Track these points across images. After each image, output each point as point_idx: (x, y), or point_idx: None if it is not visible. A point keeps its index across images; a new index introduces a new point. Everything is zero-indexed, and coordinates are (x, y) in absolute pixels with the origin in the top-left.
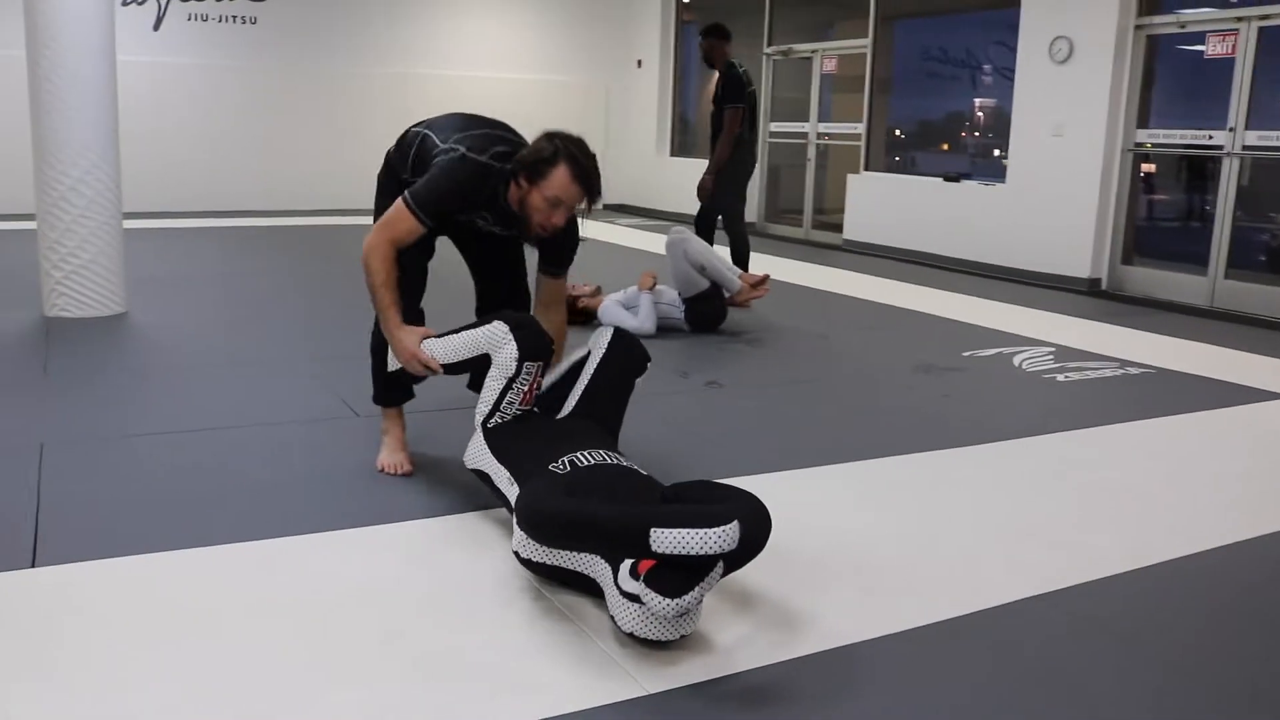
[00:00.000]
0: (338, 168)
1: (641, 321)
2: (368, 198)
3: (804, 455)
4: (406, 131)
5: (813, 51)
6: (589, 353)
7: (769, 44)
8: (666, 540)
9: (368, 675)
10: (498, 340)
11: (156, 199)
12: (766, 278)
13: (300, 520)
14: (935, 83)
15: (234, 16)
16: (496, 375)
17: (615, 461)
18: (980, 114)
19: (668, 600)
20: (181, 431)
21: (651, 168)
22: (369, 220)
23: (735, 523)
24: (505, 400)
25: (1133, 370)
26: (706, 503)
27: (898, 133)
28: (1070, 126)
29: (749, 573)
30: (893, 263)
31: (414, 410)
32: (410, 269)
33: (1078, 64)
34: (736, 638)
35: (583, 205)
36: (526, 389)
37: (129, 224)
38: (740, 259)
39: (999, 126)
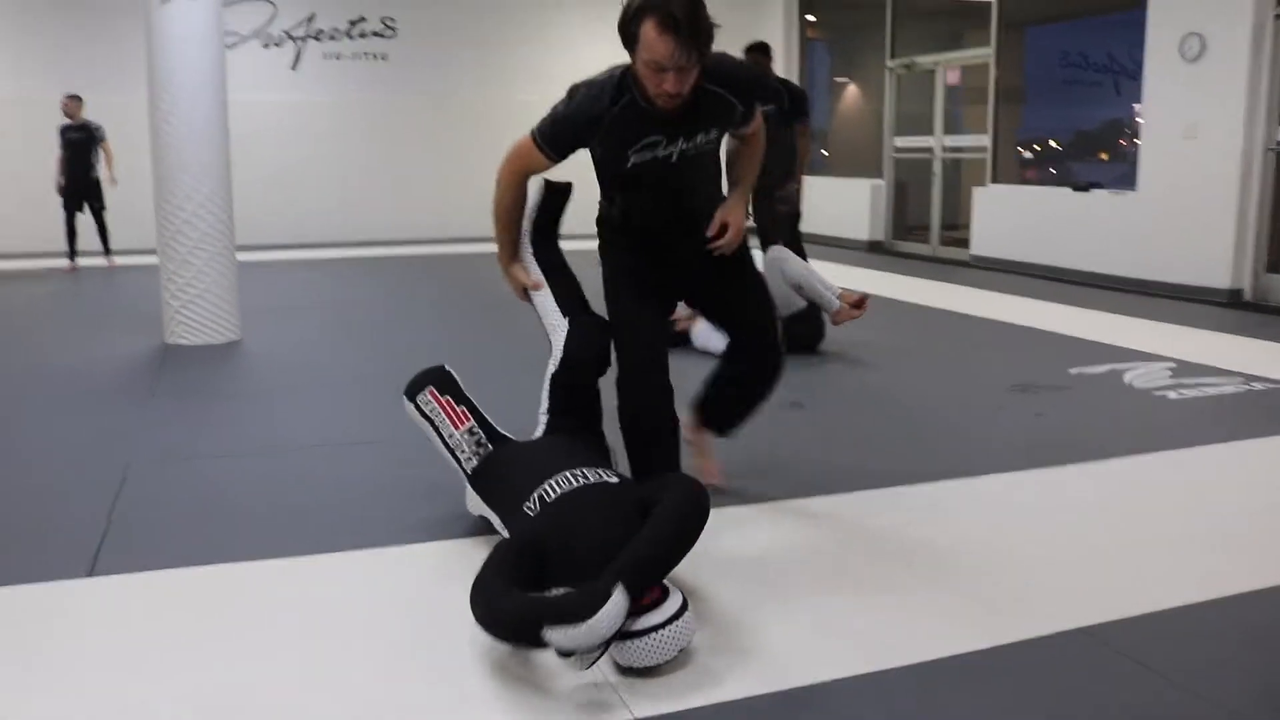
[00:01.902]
0: (466, 196)
1: None
2: (476, 225)
3: (873, 476)
4: None
5: (935, 63)
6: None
7: (891, 57)
8: (556, 638)
9: (362, 682)
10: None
11: (295, 231)
12: (865, 298)
13: (350, 536)
14: (1065, 89)
15: (366, 54)
16: (426, 430)
17: (581, 483)
18: (1110, 119)
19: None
20: (261, 453)
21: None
22: (475, 248)
23: (610, 601)
24: (446, 438)
25: (1258, 386)
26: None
27: (1027, 143)
28: (1205, 127)
29: (817, 591)
30: (1020, 278)
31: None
32: (647, 339)
33: (1211, 60)
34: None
35: (687, 57)
36: (444, 414)
37: (268, 255)
38: None
39: (1129, 131)
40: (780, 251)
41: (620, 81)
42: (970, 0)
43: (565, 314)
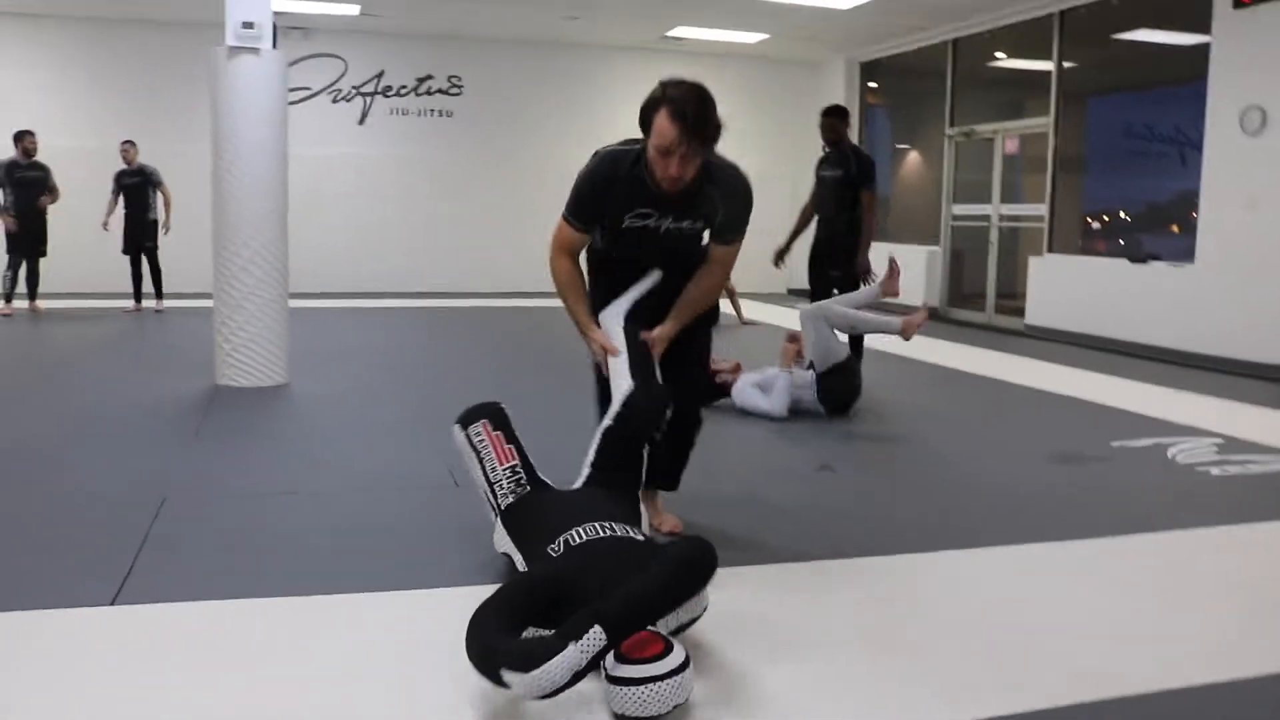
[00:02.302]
0: (526, 251)
1: (774, 404)
2: (546, 279)
3: (896, 541)
4: None
5: (994, 132)
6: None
7: (951, 125)
8: (513, 682)
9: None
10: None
11: (358, 280)
12: (926, 312)
13: (376, 578)
14: (1128, 160)
15: (432, 111)
16: (469, 459)
17: (609, 535)
18: (1177, 190)
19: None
20: (296, 492)
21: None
22: (559, 303)
23: (558, 656)
24: (487, 470)
25: None
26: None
27: (1090, 213)
28: (1265, 199)
29: (834, 655)
30: (1073, 348)
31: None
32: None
33: (1272, 133)
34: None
35: (688, 147)
36: (490, 447)
37: (329, 304)
38: None
39: (1188, 204)
40: (815, 306)
41: (637, 155)
42: (1030, 70)
43: (635, 377)
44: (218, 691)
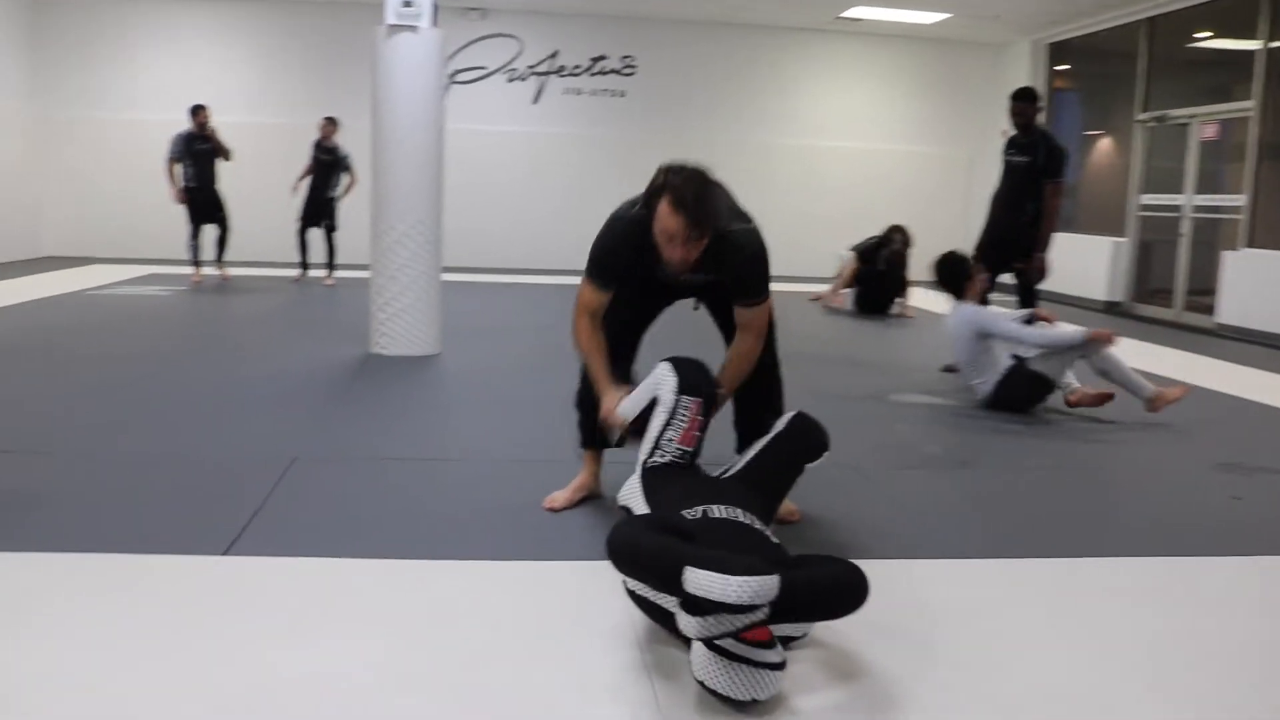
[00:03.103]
0: None
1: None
2: None
3: (1007, 544)
4: None
5: (1190, 117)
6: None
7: (1143, 110)
8: (694, 580)
9: (426, 689)
10: (661, 377)
11: (528, 256)
12: (1186, 389)
13: (480, 547)
14: None
15: (605, 91)
16: (660, 412)
17: (748, 523)
18: None
19: (688, 617)
20: (427, 459)
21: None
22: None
23: (760, 577)
24: (665, 437)
25: None
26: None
27: None
28: None
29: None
30: (1269, 350)
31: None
32: (616, 334)
33: None
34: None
35: (689, 235)
36: (685, 425)
37: (499, 279)
38: None
39: None
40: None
41: (645, 220)
42: (1233, 50)
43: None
44: (303, 646)
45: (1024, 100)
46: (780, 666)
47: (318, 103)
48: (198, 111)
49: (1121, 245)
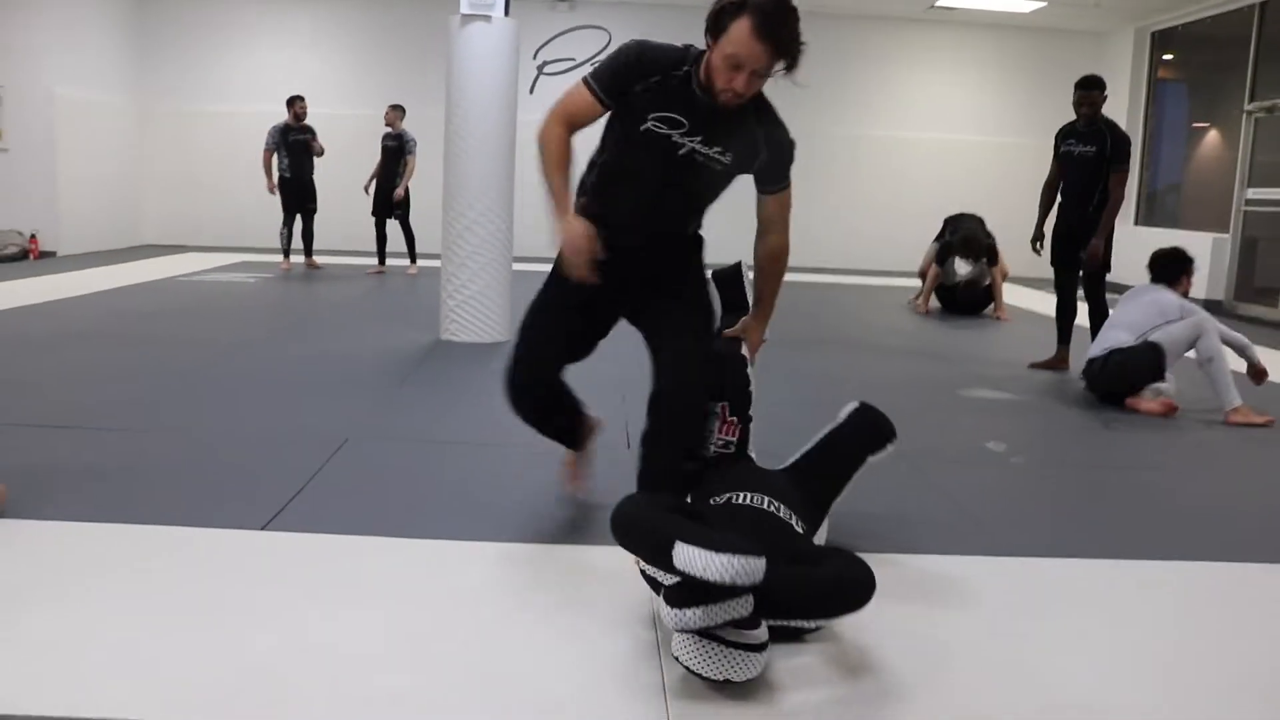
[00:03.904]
0: (799, 229)
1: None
2: (807, 256)
3: (1031, 545)
4: None
5: None
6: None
7: (1251, 99)
8: (681, 555)
9: (418, 666)
10: None
11: None
12: (1271, 421)
13: (504, 530)
14: None
15: None
16: None
17: (770, 510)
18: None
19: (669, 610)
20: (474, 442)
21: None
22: (814, 279)
23: (747, 558)
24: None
25: None
26: (817, 563)
27: None
28: None
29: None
30: None
31: None
32: (561, 335)
33: None
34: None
35: (775, 68)
36: (718, 421)
37: None
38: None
39: None
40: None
41: (684, 55)
42: None
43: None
44: (318, 619)
45: (1095, 89)
46: (760, 648)
47: (405, 93)
48: (294, 102)
49: (1223, 241)
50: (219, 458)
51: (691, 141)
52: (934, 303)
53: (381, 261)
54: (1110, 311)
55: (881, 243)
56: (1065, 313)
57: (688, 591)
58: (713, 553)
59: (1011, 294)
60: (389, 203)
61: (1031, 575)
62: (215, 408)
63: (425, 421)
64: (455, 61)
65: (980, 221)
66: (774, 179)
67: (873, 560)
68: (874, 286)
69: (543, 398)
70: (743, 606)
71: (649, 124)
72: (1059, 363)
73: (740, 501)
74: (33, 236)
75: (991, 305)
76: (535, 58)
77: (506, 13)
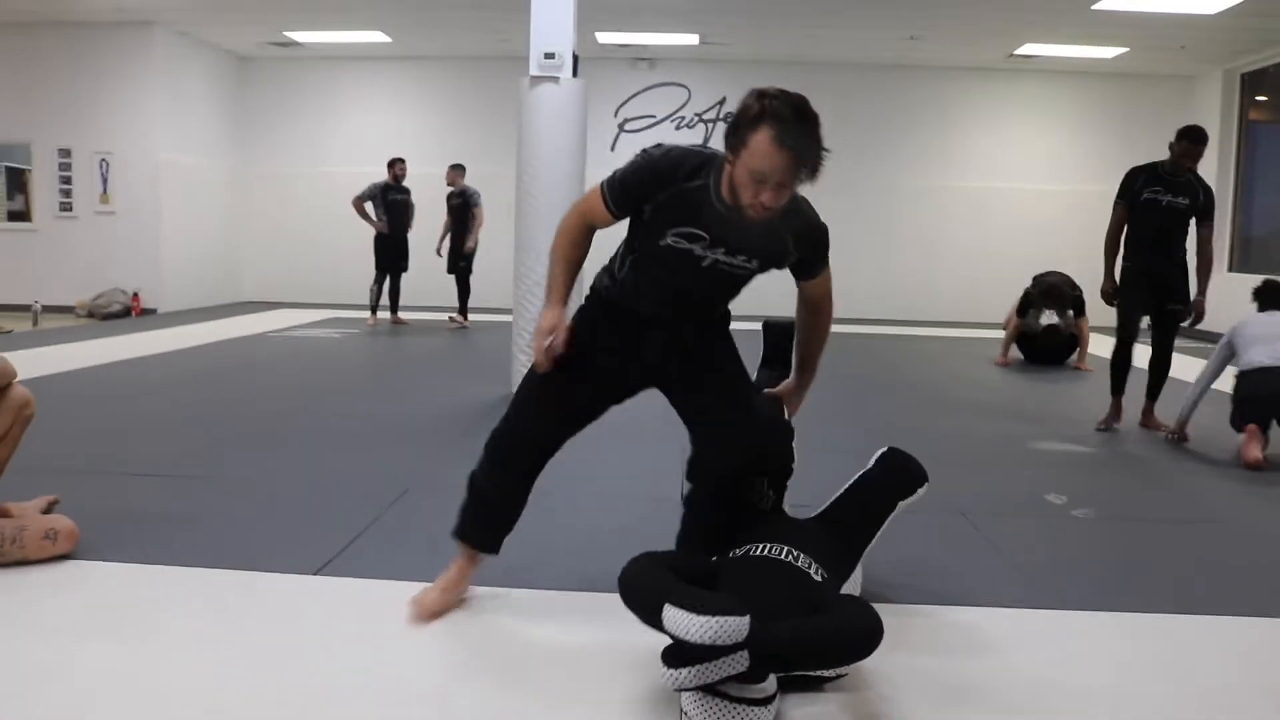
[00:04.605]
0: (867, 279)
1: None
2: (885, 308)
3: (1102, 599)
4: None
5: None
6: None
7: None
8: (669, 617)
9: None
10: None
11: None
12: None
13: (541, 578)
14: None
15: None
16: None
17: (780, 557)
18: None
19: (663, 669)
20: (536, 495)
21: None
22: (894, 330)
23: (728, 618)
24: None
25: None
26: (826, 611)
27: None
28: None
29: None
30: None
31: None
32: (539, 428)
33: None
34: None
35: (798, 179)
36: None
37: None
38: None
39: None
40: None
41: (704, 164)
42: None
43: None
44: (365, 663)
45: (1200, 142)
46: (764, 702)
47: (488, 153)
48: (394, 164)
49: None
50: (283, 505)
51: (714, 253)
52: (1015, 353)
53: (464, 314)
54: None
55: (963, 295)
56: (1129, 363)
57: (680, 651)
58: (694, 615)
59: (1094, 344)
60: (455, 258)
61: (1064, 628)
62: (284, 457)
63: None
64: (525, 121)
65: (1066, 277)
66: (811, 271)
67: (899, 611)
68: (953, 338)
69: (529, 472)
70: (738, 663)
71: (669, 240)
72: (1117, 414)
73: (759, 554)
74: (135, 295)
75: (1075, 354)
76: (616, 115)
77: (575, 74)
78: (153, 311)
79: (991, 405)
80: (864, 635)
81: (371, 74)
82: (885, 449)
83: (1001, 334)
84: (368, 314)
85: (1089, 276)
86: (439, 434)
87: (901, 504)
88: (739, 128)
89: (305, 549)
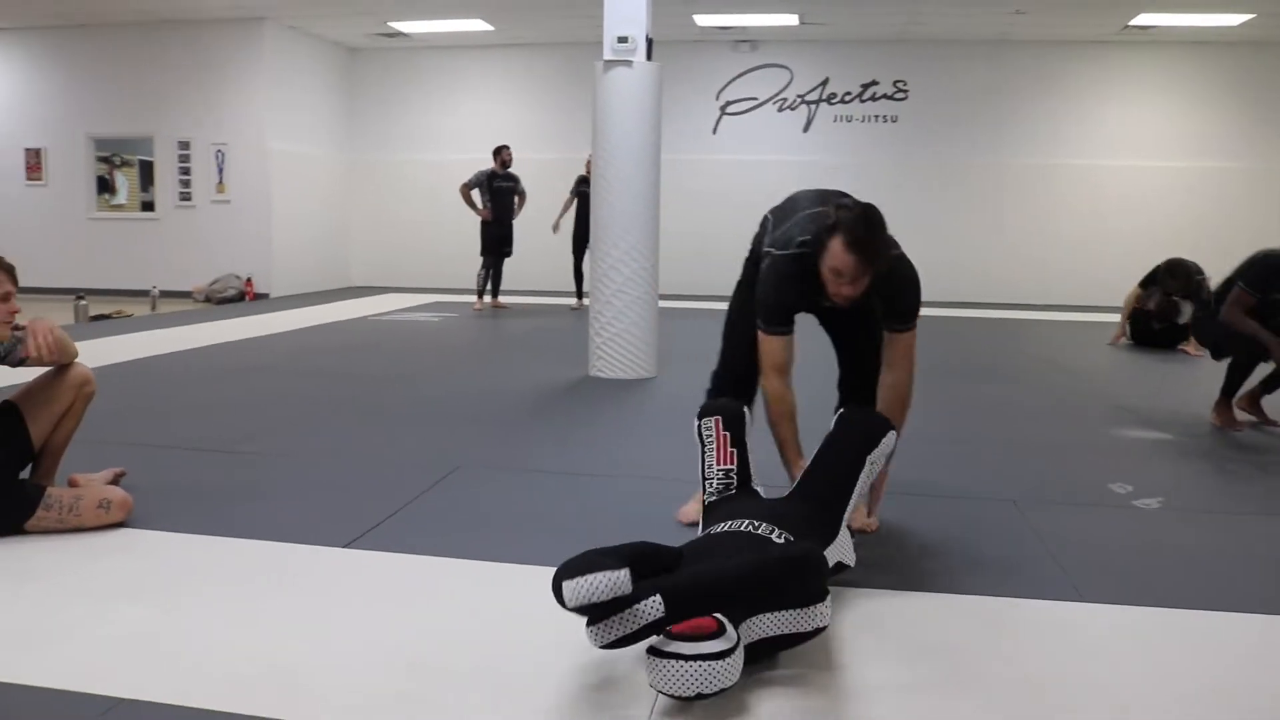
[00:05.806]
0: (981, 260)
1: None
2: (1003, 291)
3: (1149, 593)
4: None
5: None
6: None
7: None
8: (558, 594)
9: (462, 679)
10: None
11: None
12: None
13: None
14: None
15: (877, 116)
16: (700, 452)
17: (746, 530)
18: None
19: (587, 628)
20: (589, 474)
21: None
22: (1000, 314)
23: (595, 574)
24: (705, 465)
25: None
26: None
27: None
28: None
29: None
30: None
31: None
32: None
33: None
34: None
35: (865, 273)
36: (715, 444)
37: None
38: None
39: None
40: None
41: (803, 266)
42: None
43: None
44: (387, 635)
45: None
46: (719, 656)
47: (586, 136)
48: (500, 151)
49: None
50: (333, 481)
51: (833, 303)
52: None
53: (580, 298)
54: None
55: (1074, 276)
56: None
57: (592, 612)
58: (569, 580)
59: None
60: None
61: (1066, 621)
62: (348, 435)
63: (541, 453)
64: (600, 105)
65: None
66: (901, 320)
67: (914, 598)
68: (1064, 322)
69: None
70: (652, 609)
71: (811, 305)
72: (1232, 418)
73: (720, 530)
74: (249, 280)
75: (1189, 340)
76: (718, 98)
77: (649, 57)
78: (265, 296)
79: (1086, 389)
80: (794, 563)
81: (475, 62)
82: (841, 409)
83: (1115, 318)
84: (474, 298)
85: (1222, 254)
86: (503, 415)
87: (869, 458)
88: (819, 235)
89: (343, 523)
